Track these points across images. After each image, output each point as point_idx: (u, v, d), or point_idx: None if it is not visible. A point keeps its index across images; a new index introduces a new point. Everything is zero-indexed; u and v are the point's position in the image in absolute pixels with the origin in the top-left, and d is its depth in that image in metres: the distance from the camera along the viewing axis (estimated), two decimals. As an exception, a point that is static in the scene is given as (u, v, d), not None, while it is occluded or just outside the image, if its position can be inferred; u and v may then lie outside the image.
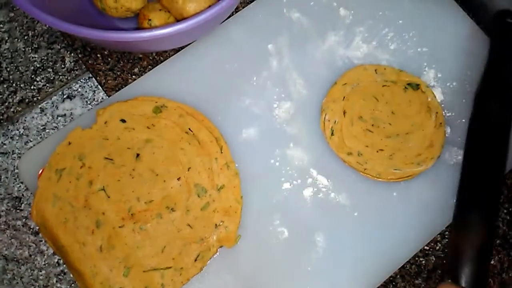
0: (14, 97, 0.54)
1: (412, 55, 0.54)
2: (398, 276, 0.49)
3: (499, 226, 0.51)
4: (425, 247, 0.50)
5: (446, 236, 0.51)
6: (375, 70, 0.53)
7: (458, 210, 0.47)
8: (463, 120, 0.52)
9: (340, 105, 0.51)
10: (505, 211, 0.52)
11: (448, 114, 0.52)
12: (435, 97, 0.52)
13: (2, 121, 0.53)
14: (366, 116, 0.51)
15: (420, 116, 0.51)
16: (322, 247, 0.48)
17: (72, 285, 0.49)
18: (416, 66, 0.54)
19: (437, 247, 0.50)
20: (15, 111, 0.53)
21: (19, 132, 0.53)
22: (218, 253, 0.47)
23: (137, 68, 0.54)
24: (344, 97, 0.51)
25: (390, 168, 0.49)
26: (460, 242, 0.44)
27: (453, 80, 0.53)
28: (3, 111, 0.53)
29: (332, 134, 0.50)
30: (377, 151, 0.50)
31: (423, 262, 0.50)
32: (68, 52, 0.55)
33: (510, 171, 0.51)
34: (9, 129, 0.53)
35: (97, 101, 0.53)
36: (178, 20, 0.50)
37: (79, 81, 0.54)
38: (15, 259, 0.49)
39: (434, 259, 0.50)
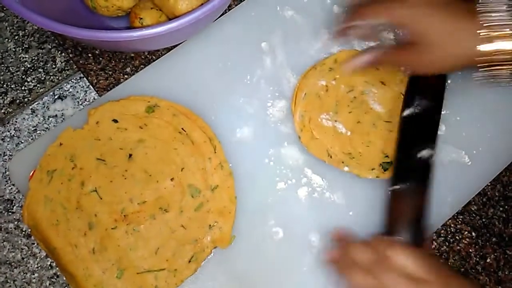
0: (5, 98, 0.53)
1: (406, 53, 0.54)
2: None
3: (495, 224, 0.51)
4: (421, 246, 0.50)
5: (442, 235, 0.50)
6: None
7: (396, 176, 0.47)
8: (458, 118, 0.52)
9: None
10: (500, 209, 0.51)
11: (442, 112, 0.52)
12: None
13: (-8, 122, 0.52)
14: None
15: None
16: (317, 247, 0.47)
17: (65, 287, 0.49)
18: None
19: (433, 246, 0.50)
20: (5, 112, 0.53)
21: (10, 133, 0.52)
22: (212, 254, 0.47)
23: (129, 68, 0.54)
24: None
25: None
26: (398, 205, 0.46)
27: (448, 78, 0.53)
28: (-7, 112, 0.53)
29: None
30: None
31: (419, 260, 0.50)
32: (59, 52, 0.54)
33: (505, 169, 0.51)
34: (-1, 131, 0.52)
35: (88, 101, 0.53)
36: (170, 18, 0.50)
37: (70, 81, 0.53)
38: (8, 262, 0.49)
39: (430, 257, 0.50)
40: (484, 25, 0.40)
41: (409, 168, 0.47)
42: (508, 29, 0.39)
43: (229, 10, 0.54)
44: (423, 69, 0.45)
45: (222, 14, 0.54)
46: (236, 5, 0.55)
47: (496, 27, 0.39)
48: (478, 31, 0.40)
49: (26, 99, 0.53)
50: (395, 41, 0.49)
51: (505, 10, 0.39)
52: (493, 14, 0.40)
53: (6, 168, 0.51)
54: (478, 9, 0.40)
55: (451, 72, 0.50)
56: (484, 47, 0.40)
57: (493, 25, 0.40)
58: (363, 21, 0.46)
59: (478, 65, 0.41)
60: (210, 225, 0.47)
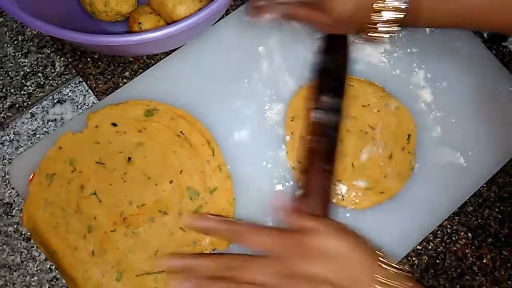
0: (4, 102, 0.53)
1: (402, 56, 0.54)
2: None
3: (491, 225, 0.51)
4: (418, 247, 0.50)
5: (438, 235, 0.51)
6: None
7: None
8: (453, 120, 0.52)
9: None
10: (496, 209, 0.52)
11: (438, 114, 0.52)
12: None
13: (-8, 126, 0.53)
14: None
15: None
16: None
17: (65, 290, 0.49)
18: (406, 66, 0.54)
19: (430, 247, 0.50)
20: (5, 116, 0.53)
21: (10, 137, 0.52)
22: (211, 256, 0.47)
23: (127, 72, 0.54)
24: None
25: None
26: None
27: (442, 80, 0.53)
28: (-7, 117, 0.53)
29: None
30: None
31: (416, 261, 0.50)
32: (58, 57, 0.55)
33: (500, 170, 0.52)
34: (-1, 135, 0.52)
35: (87, 105, 0.53)
36: (169, 23, 0.50)
37: (69, 86, 0.54)
38: (7, 265, 0.49)
39: (426, 258, 0.50)
40: None
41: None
42: None
43: (227, 14, 0.55)
44: (326, 27, 0.48)
45: (220, 19, 0.54)
46: (233, 10, 0.55)
47: None
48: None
49: (25, 103, 0.53)
50: None
51: None
52: None
53: (5, 171, 0.51)
54: None
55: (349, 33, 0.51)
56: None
57: None
58: None
59: (369, 25, 0.44)
60: (208, 227, 0.47)
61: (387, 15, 0.43)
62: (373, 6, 0.43)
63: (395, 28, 0.44)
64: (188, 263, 0.41)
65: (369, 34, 0.46)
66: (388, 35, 0.45)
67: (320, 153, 0.47)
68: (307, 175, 0.47)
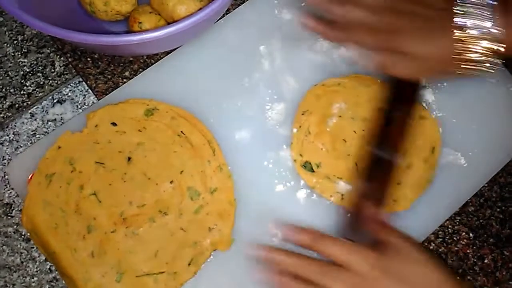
0: (4, 102, 0.53)
1: (403, 56, 0.54)
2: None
3: (492, 225, 0.51)
4: (419, 247, 0.50)
5: (440, 236, 0.51)
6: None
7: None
8: (454, 120, 0.52)
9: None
10: (497, 209, 0.52)
11: (439, 115, 0.52)
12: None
13: (-9, 126, 0.52)
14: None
15: None
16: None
17: (65, 291, 0.49)
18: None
19: (431, 247, 0.50)
20: (4, 116, 0.53)
21: (9, 137, 0.52)
22: (212, 257, 0.47)
23: (127, 72, 0.54)
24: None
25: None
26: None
27: (444, 81, 0.53)
28: (-8, 117, 0.53)
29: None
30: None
31: (417, 262, 0.50)
32: (58, 56, 0.55)
33: (502, 170, 0.52)
34: (-2, 135, 0.52)
35: (87, 105, 0.53)
36: (169, 22, 0.50)
37: (69, 85, 0.54)
38: (7, 266, 0.49)
39: (428, 258, 0.50)
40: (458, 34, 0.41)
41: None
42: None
43: (227, 14, 0.55)
44: (402, 73, 0.46)
45: (221, 18, 0.54)
46: (234, 9, 0.55)
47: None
48: (453, 31, 0.41)
49: (25, 103, 0.53)
50: None
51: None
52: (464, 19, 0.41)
53: (5, 172, 0.51)
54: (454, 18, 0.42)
55: (430, 76, 0.50)
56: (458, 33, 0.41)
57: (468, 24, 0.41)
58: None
59: (454, 62, 0.42)
60: (209, 228, 0.47)
61: (478, 48, 0.41)
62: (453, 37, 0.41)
63: (492, 59, 0.41)
64: (277, 258, 0.44)
65: (463, 71, 0.43)
66: (491, 67, 0.42)
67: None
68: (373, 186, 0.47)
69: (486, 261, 0.50)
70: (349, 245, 0.43)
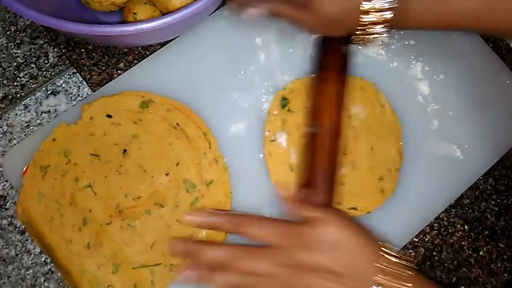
0: (-3, 93, 0.53)
1: (399, 49, 0.54)
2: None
3: (488, 217, 0.52)
4: (414, 239, 0.50)
5: (435, 228, 0.51)
6: None
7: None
8: (450, 113, 0.52)
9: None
10: (493, 202, 0.52)
11: (435, 107, 0.52)
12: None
13: (-16, 118, 0.52)
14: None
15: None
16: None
17: (60, 283, 0.48)
18: (403, 59, 0.53)
19: (426, 239, 0.50)
20: (-2, 108, 0.52)
21: (3, 129, 0.52)
22: (207, 249, 0.47)
23: (122, 63, 0.53)
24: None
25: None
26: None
27: (440, 73, 0.53)
28: (-15, 108, 0.52)
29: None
30: None
31: (413, 253, 0.50)
32: (52, 47, 0.54)
33: (497, 163, 0.52)
34: (-8, 127, 0.52)
35: (82, 96, 0.53)
36: (164, 13, 0.50)
37: (63, 77, 0.53)
38: (2, 259, 0.49)
39: (423, 250, 0.50)
40: None
41: None
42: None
43: (223, 5, 0.54)
44: (313, 28, 0.47)
45: (216, 9, 0.53)
46: (230, 0, 0.54)
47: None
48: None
49: (18, 95, 0.53)
50: None
51: None
52: None
53: (-1, 164, 0.51)
54: None
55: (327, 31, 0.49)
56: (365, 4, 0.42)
57: None
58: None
59: (358, 27, 0.44)
60: (205, 220, 0.47)
61: (375, 16, 0.43)
62: (361, 7, 0.42)
63: (384, 30, 0.44)
64: (191, 249, 0.42)
65: (359, 36, 0.45)
66: (378, 37, 0.45)
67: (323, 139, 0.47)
68: (310, 163, 0.47)
69: (481, 253, 0.51)
70: (271, 223, 0.41)
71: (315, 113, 0.48)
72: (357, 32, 0.45)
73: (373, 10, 0.42)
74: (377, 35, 0.45)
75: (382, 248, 0.40)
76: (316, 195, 0.45)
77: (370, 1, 0.42)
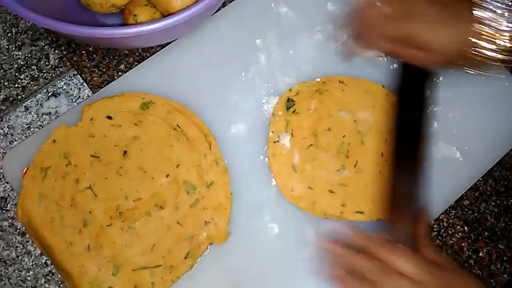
0: (-2, 95, 0.53)
1: (399, 49, 0.54)
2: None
3: (487, 218, 0.52)
4: (415, 240, 0.50)
5: (435, 229, 0.51)
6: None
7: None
8: (450, 115, 0.52)
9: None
10: (492, 203, 0.52)
11: (435, 109, 0.52)
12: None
13: (-15, 120, 0.52)
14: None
15: None
16: (312, 242, 0.48)
17: (61, 285, 0.48)
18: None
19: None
20: (-1, 109, 0.52)
21: (4, 131, 0.52)
22: (208, 250, 0.47)
23: (123, 65, 0.53)
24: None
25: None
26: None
27: (440, 75, 0.53)
28: (-14, 110, 0.52)
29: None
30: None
31: (413, 255, 0.50)
32: (52, 49, 0.54)
33: (497, 164, 0.52)
34: (-7, 128, 0.52)
35: (82, 98, 0.53)
36: (165, 15, 0.50)
37: (64, 79, 0.53)
38: (2, 260, 0.49)
39: (423, 252, 0.50)
40: (478, 19, 0.41)
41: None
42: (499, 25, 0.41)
43: (224, 7, 0.54)
44: (431, 64, 0.47)
45: (217, 11, 0.54)
46: (230, 2, 0.55)
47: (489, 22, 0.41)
48: (471, 24, 0.41)
49: (19, 97, 0.53)
50: None
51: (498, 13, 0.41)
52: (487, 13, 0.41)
53: (0, 165, 0.51)
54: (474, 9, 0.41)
55: (445, 66, 0.49)
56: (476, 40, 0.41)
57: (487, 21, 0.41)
58: (373, 44, 0.48)
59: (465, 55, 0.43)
60: (205, 222, 0.47)
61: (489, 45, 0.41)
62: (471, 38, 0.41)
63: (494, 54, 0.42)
64: (339, 251, 0.44)
65: (474, 64, 0.44)
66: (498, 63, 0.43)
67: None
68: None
69: (481, 254, 0.51)
70: (394, 246, 0.43)
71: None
72: (472, 62, 0.43)
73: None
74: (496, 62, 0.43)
75: None
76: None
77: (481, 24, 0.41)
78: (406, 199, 0.46)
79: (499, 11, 0.41)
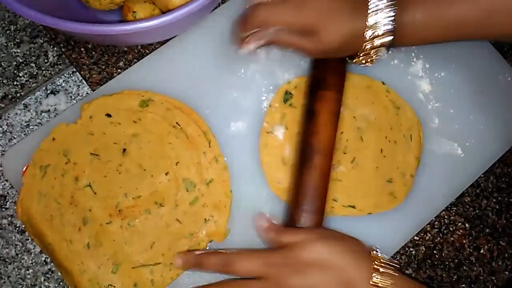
0: (-3, 93, 0.53)
1: (400, 46, 0.54)
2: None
3: (489, 215, 0.51)
4: (415, 237, 0.50)
5: (436, 226, 0.51)
6: None
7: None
8: (451, 111, 0.52)
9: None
10: (494, 200, 0.52)
11: (436, 105, 0.52)
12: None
13: (-16, 117, 0.52)
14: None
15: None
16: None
17: (60, 283, 0.48)
18: (404, 56, 0.53)
19: (427, 237, 0.50)
20: (-3, 107, 0.52)
21: (3, 129, 0.51)
22: (208, 248, 0.47)
23: (122, 62, 0.53)
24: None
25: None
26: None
27: (441, 71, 0.53)
28: (-15, 108, 0.52)
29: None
30: None
31: (413, 252, 0.50)
32: (51, 46, 0.54)
33: (498, 161, 0.52)
34: (-8, 126, 0.52)
35: (81, 96, 0.52)
36: (164, 12, 0.49)
37: (63, 76, 0.53)
38: (2, 258, 0.49)
39: (424, 249, 0.50)
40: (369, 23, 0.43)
41: None
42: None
43: (223, 3, 0.54)
44: (315, 54, 0.47)
45: (216, 7, 0.53)
46: (229, -1, 0.54)
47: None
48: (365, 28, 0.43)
49: (18, 94, 0.53)
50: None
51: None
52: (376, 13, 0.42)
53: (-2, 163, 0.51)
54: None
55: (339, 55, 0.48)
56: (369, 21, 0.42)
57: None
58: (266, 28, 0.45)
59: (361, 53, 0.44)
60: (205, 219, 0.47)
61: (378, 41, 0.43)
62: (365, 35, 0.42)
63: (383, 51, 0.44)
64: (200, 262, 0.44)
65: (360, 59, 0.46)
66: (380, 57, 0.45)
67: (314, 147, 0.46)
68: (301, 181, 0.46)
69: (482, 251, 0.50)
70: (258, 256, 0.41)
71: (312, 133, 0.46)
72: (360, 56, 0.45)
73: (377, 36, 0.43)
74: (379, 56, 0.45)
75: (375, 262, 0.40)
76: (305, 216, 0.44)
77: (372, 30, 0.42)
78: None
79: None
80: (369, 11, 0.42)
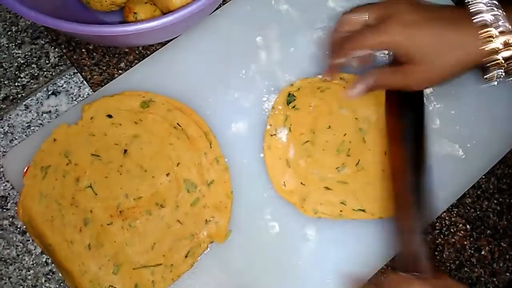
0: (-2, 94, 0.53)
1: (401, 47, 0.54)
2: (389, 268, 0.49)
3: (490, 216, 0.51)
4: (416, 239, 0.50)
5: (437, 227, 0.51)
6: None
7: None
8: (452, 112, 0.52)
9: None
10: (495, 201, 0.52)
11: (437, 106, 0.52)
12: None
13: (-15, 118, 0.52)
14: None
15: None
16: (313, 241, 0.48)
17: (61, 284, 0.48)
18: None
19: (428, 238, 0.50)
20: (-1, 108, 0.52)
21: (4, 130, 0.52)
22: (208, 249, 0.47)
23: (123, 63, 0.53)
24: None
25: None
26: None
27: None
28: (-14, 109, 0.52)
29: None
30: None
31: (415, 253, 0.50)
32: (52, 48, 0.54)
33: (499, 162, 0.52)
34: (-7, 127, 0.52)
35: (82, 96, 0.52)
36: (165, 13, 0.49)
37: (64, 77, 0.53)
38: (3, 259, 0.49)
39: (425, 250, 0.50)
40: (480, 24, 0.40)
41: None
42: (502, 24, 0.40)
43: (224, 4, 0.54)
44: (417, 87, 0.44)
45: (217, 8, 0.53)
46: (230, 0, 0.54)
47: (493, 24, 0.39)
48: (478, 32, 0.40)
49: (19, 95, 0.53)
50: (389, 59, 0.50)
51: (485, 10, 0.40)
52: (482, 14, 0.40)
53: (0, 164, 0.51)
54: (470, 10, 0.40)
55: (448, 81, 0.46)
56: (488, 46, 0.40)
57: (489, 23, 0.40)
58: (350, 56, 0.45)
59: (484, 65, 0.41)
60: (206, 220, 0.47)
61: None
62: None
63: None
64: None
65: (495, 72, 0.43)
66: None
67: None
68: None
69: (483, 252, 0.50)
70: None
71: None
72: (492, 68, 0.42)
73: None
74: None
75: None
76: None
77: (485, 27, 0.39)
78: (412, 198, 0.44)
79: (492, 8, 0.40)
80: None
